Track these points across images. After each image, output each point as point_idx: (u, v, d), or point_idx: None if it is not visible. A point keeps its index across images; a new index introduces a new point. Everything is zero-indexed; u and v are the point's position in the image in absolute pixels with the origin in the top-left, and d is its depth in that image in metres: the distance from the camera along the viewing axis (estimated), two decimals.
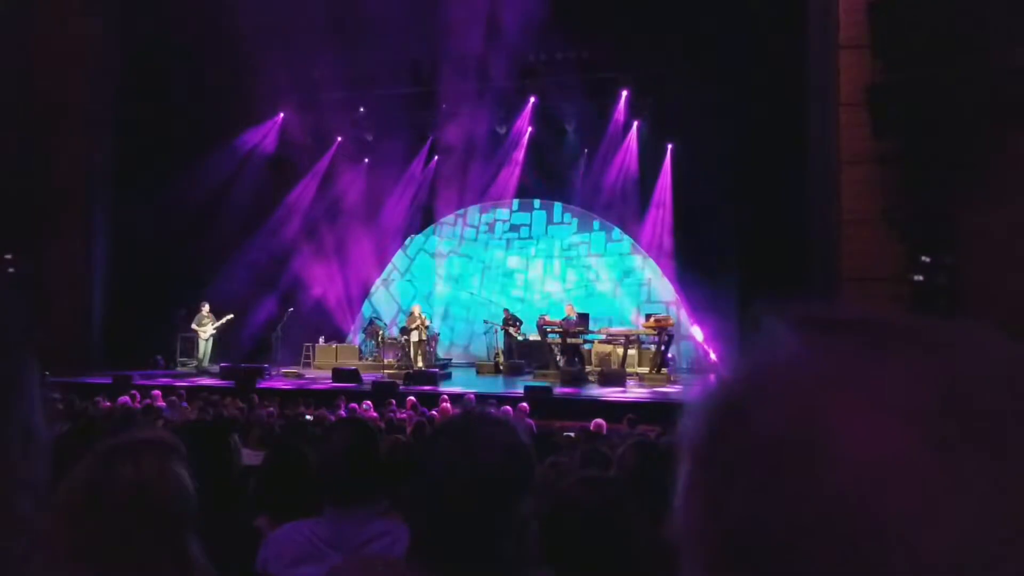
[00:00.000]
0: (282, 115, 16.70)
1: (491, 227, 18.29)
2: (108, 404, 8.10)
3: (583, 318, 14.10)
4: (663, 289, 16.69)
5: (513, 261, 18.03)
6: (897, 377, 0.38)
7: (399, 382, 12.03)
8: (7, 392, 0.57)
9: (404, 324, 15.00)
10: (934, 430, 0.36)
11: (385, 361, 15.19)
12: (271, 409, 7.85)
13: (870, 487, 0.35)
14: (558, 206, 17.73)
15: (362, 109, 16.80)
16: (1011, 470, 0.35)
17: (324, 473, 2.05)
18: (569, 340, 13.58)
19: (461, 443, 1.14)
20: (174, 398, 9.11)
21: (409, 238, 18.54)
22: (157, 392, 9.50)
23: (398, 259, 18.65)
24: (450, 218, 18.39)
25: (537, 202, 17.94)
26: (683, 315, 15.86)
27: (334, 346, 15.93)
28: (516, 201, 18.00)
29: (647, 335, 13.81)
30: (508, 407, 7.76)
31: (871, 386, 0.38)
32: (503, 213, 18.21)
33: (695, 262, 14.92)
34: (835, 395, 0.38)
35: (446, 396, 9.83)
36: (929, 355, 0.38)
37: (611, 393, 11.47)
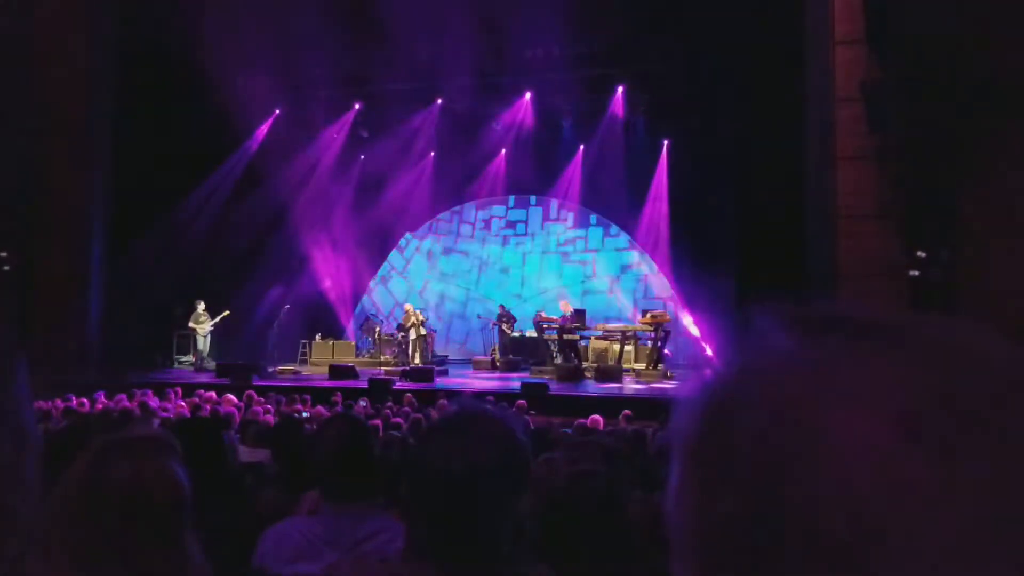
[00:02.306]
0: (277, 112, 16.64)
1: (487, 223, 18.28)
2: (104, 402, 8.08)
3: (579, 314, 14.10)
4: (659, 285, 16.70)
5: (509, 257, 18.02)
6: (887, 375, 0.37)
7: (396, 379, 12.03)
8: None
9: (400, 321, 15.02)
10: (925, 429, 0.35)
11: (382, 358, 15.18)
12: (268, 406, 7.83)
13: (861, 486, 0.35)
14: (554, 202, 17.71)
15: (357, 106, 16.76)
16: (1005, 469, 0.35)
17: (319, 470, 2.05)
18: (566, 336, 13.58)
19: (457, 439, 1.14)
20: (170, 395, 9.09)
21: (405, 235, 18.52)
22: (152, 391, 9.48)
23: (394, 256, 18.63)
24: (446, 214, 18.37)
25: (533, 198, 17.92)
26: (679, 311, 15.86)
27: (331, 343, 15.92)
28: (512, 197, 17.98)
29: (644, 331, 13.82)
30: (505, 403, 7.76)
31: (861, 385, 0.37)
32: (499, 209, 18.19)
33: (692, 258, 14.90)
34: (825, 394, 0.38)
35: (443, 393, 9.83)
36: (920, 353, 0.38)
37: (608, 389, 11.48)
